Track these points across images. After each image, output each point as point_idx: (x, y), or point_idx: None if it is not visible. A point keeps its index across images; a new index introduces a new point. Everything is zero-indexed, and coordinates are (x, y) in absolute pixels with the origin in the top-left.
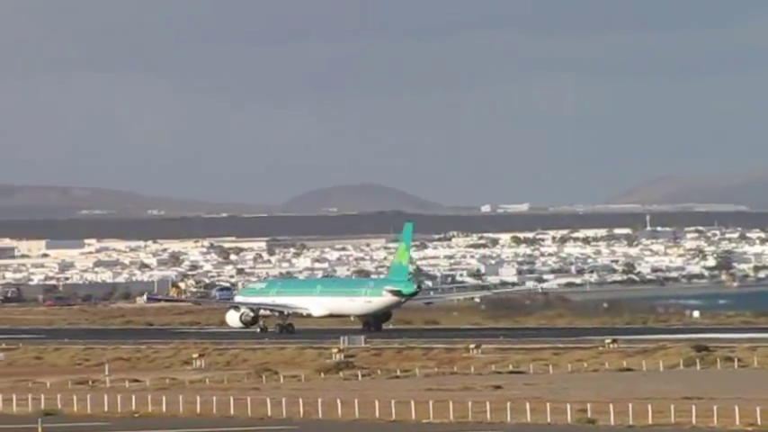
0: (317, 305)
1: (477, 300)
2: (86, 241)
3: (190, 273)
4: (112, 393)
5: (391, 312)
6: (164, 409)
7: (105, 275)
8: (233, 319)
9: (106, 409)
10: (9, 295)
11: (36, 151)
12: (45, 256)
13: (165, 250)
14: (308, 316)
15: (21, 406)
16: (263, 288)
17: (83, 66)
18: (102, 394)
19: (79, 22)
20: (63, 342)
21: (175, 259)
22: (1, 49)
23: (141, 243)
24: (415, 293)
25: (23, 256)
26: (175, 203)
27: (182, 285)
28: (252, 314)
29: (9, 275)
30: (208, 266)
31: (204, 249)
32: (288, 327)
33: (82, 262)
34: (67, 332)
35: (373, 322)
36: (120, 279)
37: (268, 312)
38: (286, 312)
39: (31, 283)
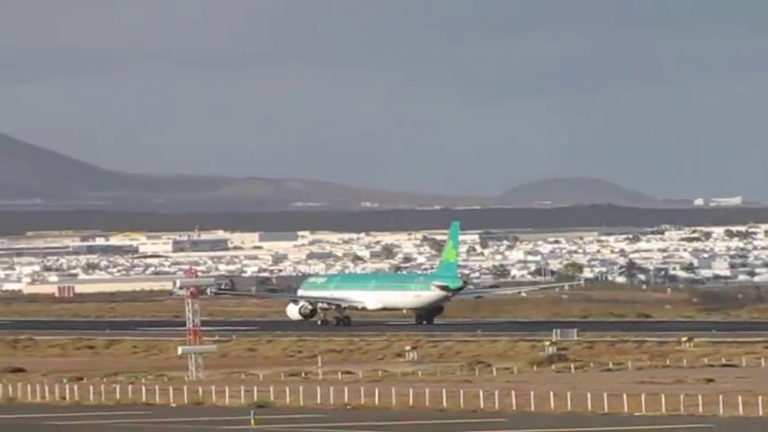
0: (371, 299)
1: (524, 294)
2: (299, 233)
3: (403, 265)
4: (325, 385)
5: (443, 306)
6: (376, 401)
7: (318, 267)
8: (292, 311)
9: (319, 401)
10: (223, 287)
11: (249, 143)
12: (258, 248)
13: (378, 242)
14: (363, 309)
15: (234, 398)
16: (322, 282)
17: (297, 59)
18: (314, 386)
19: (296, 15)
20: (276, 334)
21: (388, 251)
22: (216, 43)
23: (354, 235)
24: (461, 288)
25: (236, 248)
26: (388, 195)
27: None
28: (310, 307)
29: (222, 267)
30: (421, 259)
31: (417, 242)
32: (344, 319)
33: (295, 254)
34: (280, 324)
35: (425, 315)
36: (333, 271)
37: (326, 305)
38: (343, 306)
39: (244, 275)
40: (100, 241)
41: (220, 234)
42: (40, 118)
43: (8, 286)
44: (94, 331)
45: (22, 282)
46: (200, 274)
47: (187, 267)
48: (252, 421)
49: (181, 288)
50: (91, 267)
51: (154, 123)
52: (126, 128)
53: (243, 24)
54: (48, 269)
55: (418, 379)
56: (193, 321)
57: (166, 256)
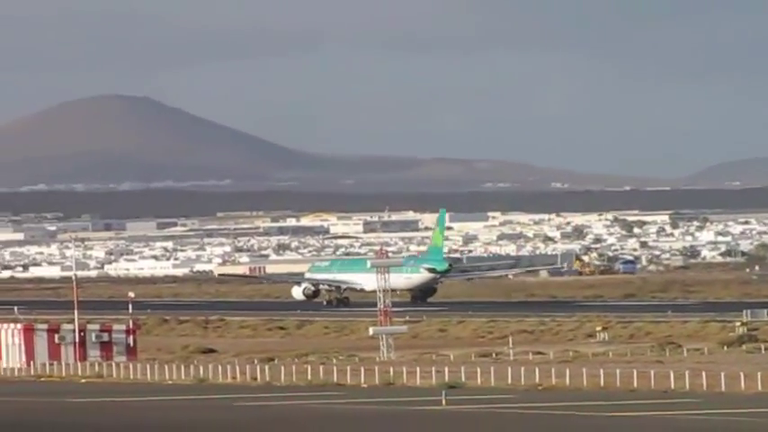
0: (367, 281)
1: (511, 277)
2: (490, 214)
3: (593, 246)
4: (516, 366)
5: (436, 288)
6: (567, 381)
7: (509, 248)
8: (297, 292)
9: (510, 381)
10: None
11: (440, 124)
12: (448, 228)
13: (568, 223)
14: (361, 290)
15: (425, 378)
16: (326, 266)
17: (488, 42)
18: (505, 367)
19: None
20: (466, 315)
21: (579, 232)
22: (409, 26)
23: (545, 216)
24: (447, 271)
25: (426, 228)
26: (578, 176)
27: (585, 259)
28: (312, 288)
29: (413, 248)
30: (611, 240)
31: (608, 222)
32: (344, 300)
33: (485, 235)
34: (471, 305)
35: (420, 296)
36: (524, 252)
37: (326, 287)
38: (342, 287)
39: None
40: (291, 222)
41: (410, 215)
42: (234, 100)
43: (199, 267)
44: (285, 312)
45: (213, 262)
46: (390, 254)
47: (378, 248)
48: (443, 402)
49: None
50: (282, 248)
51: (345, 104)
52: (317, 109)
53: (436, 7)
54: (239, 250)
55: (609, 359)
56: (384, 302)
57: (357, 237)
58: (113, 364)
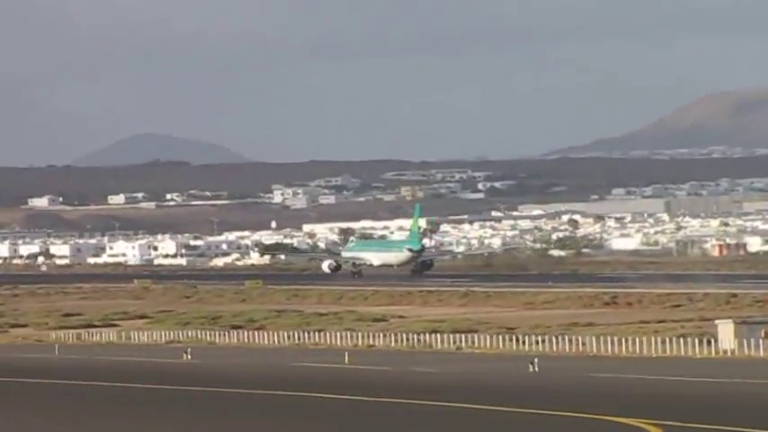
0: (374, 258)
1: (460, 257)
2: None
3: None
4: None
5: (432, 263)
6: None
7: None
8: (324, 266)
9: None
10: None
11: None
12: None
13: None
14: (370, 265)
15: None
16: (351, 246)
17: None
18: None
19: None
20: None
21: None
22: None
23: None
24: (421, 251)
25: None
26: None
27: None
28: (335, 264)
29: None
30: None
31: None
32: (358, 273)
33: None
34: None
35: (418, 269)
36: None
37: (344, 262)
38: (357, 263)
39: None
40: None
41: None
42: None
43: None
44: None
45: None
46: None
47: None
48: None
49: None
50: None
51: None
52: None
53: None
54: None
55: None
56: None
57: None
58: None
